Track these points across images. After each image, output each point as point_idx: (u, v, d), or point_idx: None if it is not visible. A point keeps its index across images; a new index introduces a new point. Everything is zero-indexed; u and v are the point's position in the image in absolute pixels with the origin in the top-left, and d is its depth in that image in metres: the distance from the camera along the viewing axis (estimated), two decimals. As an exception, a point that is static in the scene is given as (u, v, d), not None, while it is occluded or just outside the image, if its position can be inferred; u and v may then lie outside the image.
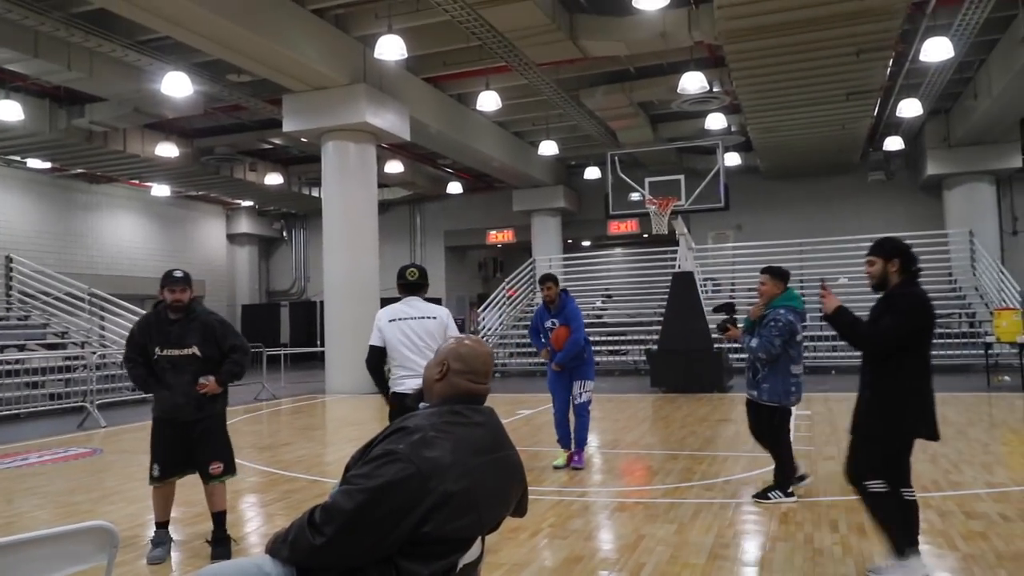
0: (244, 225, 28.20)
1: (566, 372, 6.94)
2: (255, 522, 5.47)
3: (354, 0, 12.90)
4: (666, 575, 4.02)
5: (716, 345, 13.87)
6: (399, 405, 4.61)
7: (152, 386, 4.55)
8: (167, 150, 18.68)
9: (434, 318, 4.76)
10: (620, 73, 16.52)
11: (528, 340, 19.56)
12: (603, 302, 21.70)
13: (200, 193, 24.71)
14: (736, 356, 16.16)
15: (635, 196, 14.45)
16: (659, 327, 14.68)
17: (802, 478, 5.70)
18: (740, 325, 5.79)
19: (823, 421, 9.43)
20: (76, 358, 13.62)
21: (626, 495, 5.93)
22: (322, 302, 16.30)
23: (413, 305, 4.80)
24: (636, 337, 18.18)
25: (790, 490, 5.43)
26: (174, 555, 4.60)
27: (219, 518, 4.61)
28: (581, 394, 6.93)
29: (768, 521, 4.97)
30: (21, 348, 13.48)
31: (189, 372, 4.50)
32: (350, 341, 14.59)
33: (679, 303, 13.59)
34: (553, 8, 12.70)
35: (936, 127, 19.76)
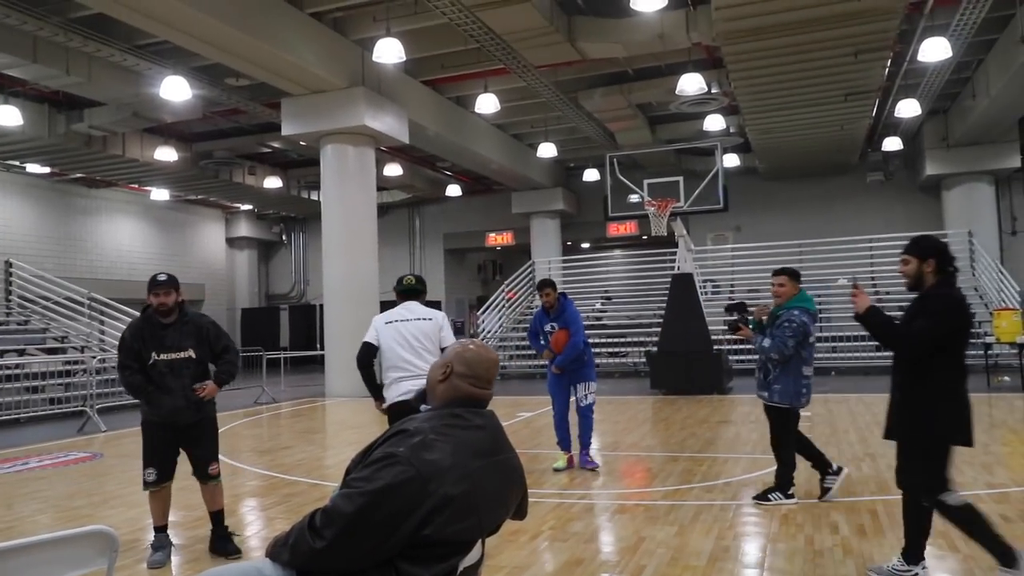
0: (243, 229, 28.21)
1: (566, 375, 6.94)
2: (255, 525, 5.47)
3: (352, 3, 12.91)
4: (667, 577, 4.02)
5: (716, 347, 13.87)
6: (395, 412, 4.57)
7: (150, 392, 4.52)
8: (166, 154, 18.69)
9: (430, 319, 4.83)
10: (618, 75, 16.54)
11: (526, 343, 19.66)
12: (602, 304, 21.70)
13: (199, 197, 24.70)
14: (736, 358, 16.18)
15: (634, 198, 14.45)
16: (659, 329, 14.68)
17: (839, 470, 5.53)
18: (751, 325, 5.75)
19: (823, 422, 9.43)
20: (76, 362, 13.62)
21: (626, 497, 5.93)
22: (321, 305, 16.31)
23: (410, 309, 4.89)
24: (636, 339, 18.18)
25: (790, 492, 5.42)
26: (174, 559, 4.60)
27: (219, 516, 4.70)
28: (586, 396, 6.94)
29: (769, 523, 4.97)
30: (21, 353, 13.48)
31: (187, 375, 4.54)
32: (350, 344, 14.48)
33: (678, 305, 13.59)
34: (551, 10, 12.71)
35: (935, 127, 19.78)
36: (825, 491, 5.45)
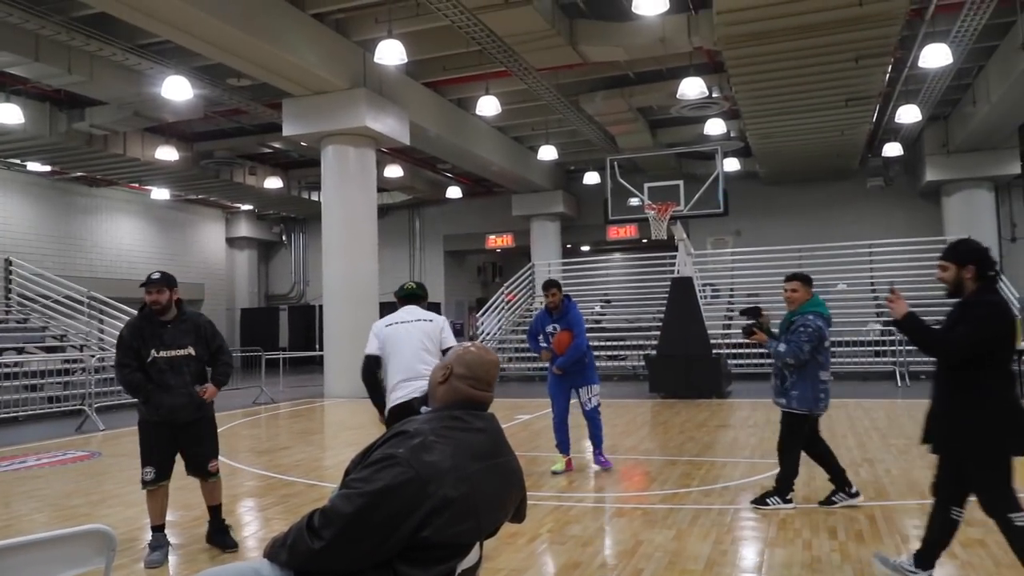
0: (243, 229, 28.21)
1: (567, 378, 6.93)
2: (253, 526, 5.46)
3: (354, 5, 12.92)
4: (664, 581, 4.02)
5: (715, 351, 13.87)
6: (396, 414, 4.54)
7: (149, 391, 4.53)
8: (167, 154, 18.69)
9: (430, 321, 4.84)
10: (620, 78, 16.56)
11: (526, 345, 19.63)
12: (602, 307, 21.70)
13: (200, 197, 24.71)
14: (735, 362, 16.18)
15: (634, 201, 14.46)
16: (658, 332, 14.68)
17: (856, 494, 5.45)
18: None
19: (821, 427, 9.38)
20: (75, 361, 13.61)
21: (624, 501, 5.92)
22: (321, 306, 16.31)
23: (410, 311, 4.90)
24: (635, 342, 18.18)
25: (789, 497, 5.41)
26: (171, 559, 4.60)
27: (217, 510, 4.80)
28: (590, 399, 6.94)
29: (766, 528, 4.97)
30: (20, 351, 13.48)
31: (187, 372, 4.57)
32: (349, 345, 14.57)
33: (678, 308, 13.59)
34: (553, 13, 12.72)
35: (935, 133, 19.80)
36: (829, 501, 5.42)
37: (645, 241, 23.58)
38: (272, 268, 29.99)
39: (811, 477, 6.39)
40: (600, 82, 16.80)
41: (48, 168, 20.02)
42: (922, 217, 21.47)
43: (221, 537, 4.71)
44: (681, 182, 14.09)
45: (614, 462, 7.16)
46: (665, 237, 14.02)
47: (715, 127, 17.64)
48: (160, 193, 23.59)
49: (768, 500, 5.41)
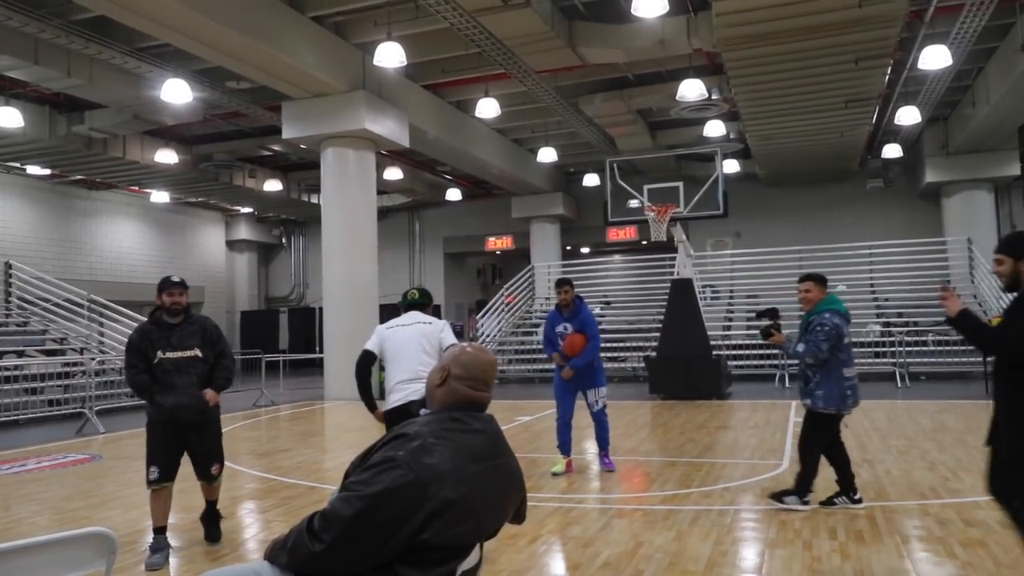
0: (243, 231, 28.22)
1: (576, 380, 6.93)
2: (253, 528, 5.46)
3: (353, 7, 12.94)
4: (665, 582, 4.02)
5: (715, 352, 13.88)
6: (395, 415, 4.65)
7: (154, 391, 4.62)
8: (166, 157, 18.70)
9: (429, 323, 4.97)
10: (619, 80, 16.57)
11: (525, 347, 19.65)
12: (602, 309, 21.69)
13: (199, 200, 24.73)
14: (735, 364, 16.18)
15: (634, 203, 14.47)
16: (658, 334, 14.68)
17: (859, 500, 5.42)
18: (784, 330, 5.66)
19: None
20: (75, 364, 13.61)
21: (625, 502, 5.92)
22: (321, 308, 16.31)
23: (411, 316, 5.03)
24: (635, 344, 18.17)
25: (807, 499, 5.34)
26: (172, 561, 4.60)
27: (212, 503, 4.98)
28: (597, 401, 6.96)
29: (767, 528, 4.97)
30: (20, 354, 13.47)
31: (193, 373, 4.68)
32: (349, 347, 14.52)
33: (678, 310, 13.59)
34: (552, 16, 12.74)
35: (934, 135, 19.82)
36: (831, 502, 5.40)
37: (645, 243, 23.58)
38: (272, 270, 30.00)
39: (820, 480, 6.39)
40: (599, 84, 16.82)
41: (48, 171, 20.03)
42: (922, 218, 21.48)
43: (209, 526, 4.92)
44: (681, 184, 14.10)
45: (614, 463, 7.15)
46: (665, 239, 14.02)
47: (715, 129, 17.65)
48: (160, 196, 23.60)
49: (786, 499, 5.37)
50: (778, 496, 5.43)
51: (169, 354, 4.63)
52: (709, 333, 13.84)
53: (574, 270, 23.00)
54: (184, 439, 4.69)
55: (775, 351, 16.14)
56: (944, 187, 20.52)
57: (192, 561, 4.60)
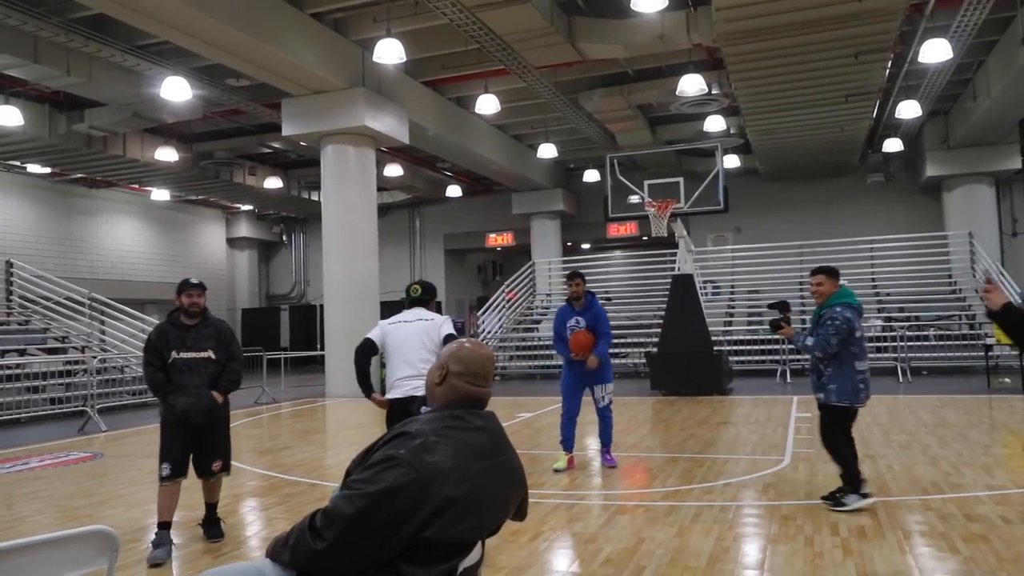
0: (244, 229, 28.22)
1: (584, 376, 6.92)
2: (255, 526, 5.47)
3: (353, 4, 12.91)
4: (667, 578, 4.02)
5: (716, 348, 13.87)
6: (396, 410, 4.70)
7: (168, 391, 4.77)
8: (166, 154, 18.70)
9: (430, 320, 4.97)
10: (619, 76, 16.54)
11: (526, 343, 19.65)
12: (603, 305, 21.68)
13: (200, 197, 24.72)
14: (736, 359, 16.18)
15: (634, 199, 14.45)
16: (659, 330, 14.68)
17: (865, 495, 5.29)
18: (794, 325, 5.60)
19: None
20: (76, 362, 13.63)
21: (626, 498, 5.92)
22: (322, 306, 16.32)
23: (414, 313, 5.04)
24: (636, 340, 18.18)
25: (864, 491, 5.20)
26: (174, 559, 4.60)
27: (213, 507, 5.02)
28: (604, 397, 6.96)
29: (768, 524, 4.97)
30: (22, 353, 13.48)
31: (204, 374, 4.82)
32: (350, 345, 14.44)
33: (679, 306, 13.59)
34: (551, 11, 12.72)
35: (935, 129, 19.79)
36: (833, 497, 5.39)
37: (645, 238, 23.59)
38: (272, 268, 30.01)
39: (812, 474, 6.40)
40: (599, 80, 16.79)
41: (48, 170, 20.03)
42: (923, 213, 21.46)
43: (209, 527, 4.96)
44: (681, 179, 14.08)
45: (616, 459, 7.16)
46: (665, 234, 14.01)
47: (715, 124, 17.62)
48: (160, 194, 23.60)
49: (844, 500, 5.17)
50: (835, 500, 5.20)
51: (183, 354, 4.77)
52: (710, 329, 13.83)
53: (575, 266, 22.96)
54: (194, 437, 4.82)
55: (776, 347, 16.16)
56: (945, 181, 20.49)
57: (194, 559, 4.61)
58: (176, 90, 13.00)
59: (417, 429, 2.12)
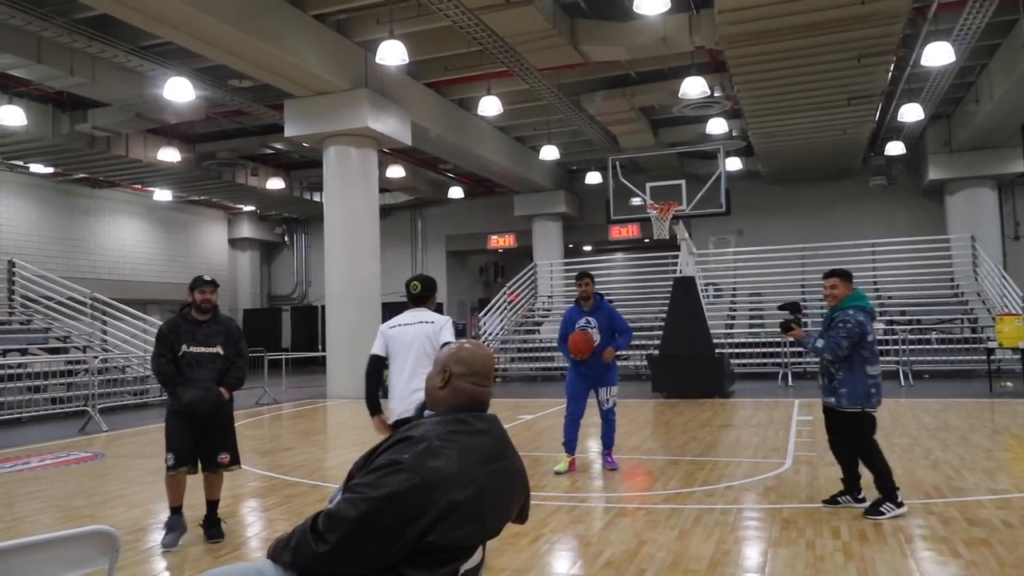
0: (246, 230, 28.25)
1: (590, 377, 6.92)
2: (256, 526, 5.47)
3: (355, 5, 12.93)
4: (668, 581, 4.01)
5: (718, 350, 13.86)
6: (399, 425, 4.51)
7: (176, 382, 4.90)
8: (169, 155, 18.72)
9: (431, 323, 4.75)
10: (621, 78, 16.55)
11: (528, 345, 19.65)
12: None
13: (202, 198, 24.74)
14: (738, 362, 16.16)
15: (636, 201, 14.45)
16: (660, 332, 14.67)
17: (863, 500, 5.28)
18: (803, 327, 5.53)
19: (823, 427, 9.38)
20: (78, 362, 13.63)
21: (627, 501, 5.92)
22: (323, 307, 16.32)
23: (414, 314, 4.83)
24: (637, 342, 18.13)
25: (899, 499, 5.09)
26: (175, 558, 4.61)
27: (214, 505, 5.06)
28: (608, 400, 6.96)
29: (770, 527, 4.96)
30: (23, 352, 13.49)
31: (212, 369, 4.94)
32: (351, 346, 14.60)
33: (680, 308, 13.58)
34: (554, 13, 12.73)
35: (938, 132, 19.77)
36: (834, 501, 5.37)
37: (647, 241, 23.57)
38: (274, 269, 30.03)
39: (814, 477, 6.39)
40: (602, 82, 16.80)
41: (51, 170, 20.06)
42: (925, 216, 21.44)
43: (210, 528, 4.99)
44: (683, 181, 14.08)
45: (617, 462, 7.15)
46: (667, 237, 14.01)
47: (717, 126, 17.62)
48: (162, 194, 23.63)
49: (882, 508, 5.05)
50: (874, 511, 5.08)
51: (193, 348, 4.92)
52: (712, 331, 13.82)
53: (576, 268, 22.98)
54: (199, 429, 4.92)
55: (778, 349, 16.15)
56: (947, 184, 20.48)
57: (194, 560, 4.60)
58: (179, 91, 13.02)
59: (421, 434, 2.11)
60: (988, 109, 16.27)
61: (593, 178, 22.81)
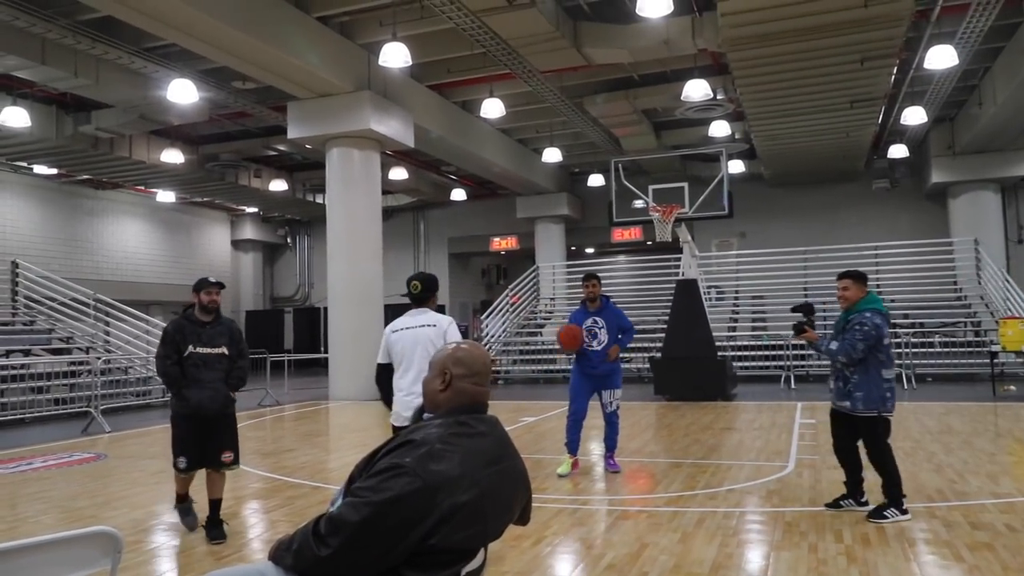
0: (248, 231, 28.29)
1: (594, 379, 6.92)
2: (258, 528, 5.47)
3: (359, 8, 12.95)
4: (670, 584, 4.01)
5: (720, 353, 13.84)
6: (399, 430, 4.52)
7: (182, 384, 4.95)
8: (172, 156, 18.75)
9: (434, 326, 4.65)
10: (624, 80, 16.56)
11: (530, 347, 19.63)
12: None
13: (205, 199, 24.78)
14: (740, 364, 16.14)
15: (639, 203, 14.45)
16: (663, 335, 14.66)
17: (865, 503, 5.28)
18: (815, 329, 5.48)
19: (825, 430, 9.35)
20: (81, 363, 13.65)
21: (629, 503, 5.91)
22: (326, 308, 16.33)
23: (416, 317, 4.73)
24: (640, 345, 18.15)
25: (905, 507, 5.07)
26: (174, 561, 4.61)
27: (216, 505, 5.09)
28: (612, 402, 6.96)
29: (772, 530, 4.95)
30: (26, 353, 13.52)
31: (218, 369, 5.01)
32: (353, 347, 14.61)
33: (683, 311, 13.57)
34: (557, 16, 12.73)
35: (941, 135, 19.76)
36: (837, 504, 5.34)
37: (649, 243, 23.53)
38: (277, 270, 30.07)
39: (816, 480, 6.38)
40: (604, 84, 16.81)
41: (54, 171, 20.10)
42: (928, 219, 21.42)
43: (212, 528, 5.02)
44: (686, 184, 14.08)
45: (619, 465, 7.14)
46: (670, 239, 14.00)
47: (720, 129, 17.62)
48: (165, 196, 23.67)
49: (886, 512, 5.04)
50: (877, 514, 5.07)
51: (199, 349, 4.98)
52: (714, 334, 13.81)
53: (579, 270, 22.97)
54: (204, 430, 4.98)
55: (780, 352, 16.13)
56: (950, 187, 20.45)
57: (196, 560, 4.61)
58: (182, 92, 13.04)
59: (423, 437, 2.10)
60: (991, 112, 16.25)
61: (595, 180, 22.80)
